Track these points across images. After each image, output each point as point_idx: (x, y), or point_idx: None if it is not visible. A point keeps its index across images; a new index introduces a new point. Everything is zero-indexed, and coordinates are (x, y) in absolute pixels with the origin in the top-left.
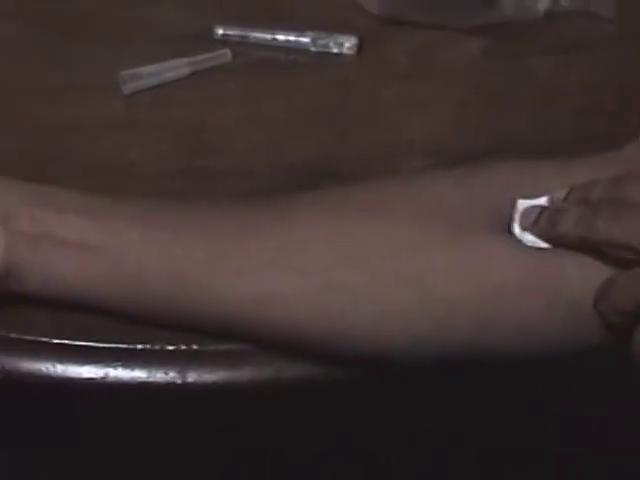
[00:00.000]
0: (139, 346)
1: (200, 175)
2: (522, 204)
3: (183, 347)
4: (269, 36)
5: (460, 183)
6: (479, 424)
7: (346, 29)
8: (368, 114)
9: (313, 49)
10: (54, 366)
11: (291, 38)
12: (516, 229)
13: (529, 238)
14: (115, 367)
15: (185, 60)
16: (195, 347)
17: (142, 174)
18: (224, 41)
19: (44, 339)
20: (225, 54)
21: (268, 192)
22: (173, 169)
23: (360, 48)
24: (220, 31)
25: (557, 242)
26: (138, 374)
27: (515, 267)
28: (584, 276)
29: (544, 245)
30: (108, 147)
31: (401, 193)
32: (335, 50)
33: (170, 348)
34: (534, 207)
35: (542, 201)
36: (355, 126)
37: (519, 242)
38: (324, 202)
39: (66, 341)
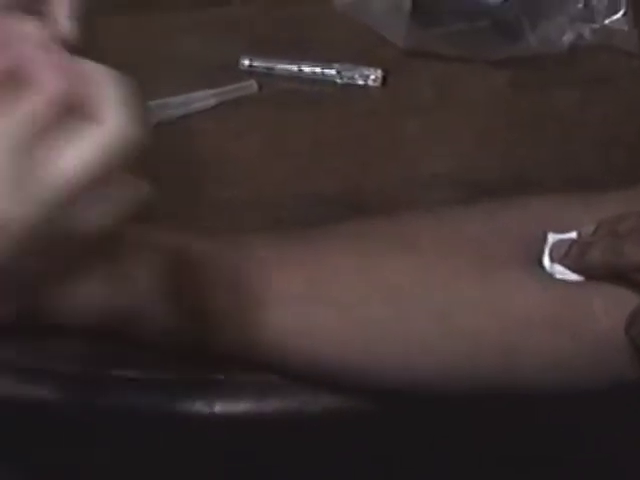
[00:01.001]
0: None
1: (225, 205)
2: (552, 237)
3: (210, 377)
4: (295, 68)
5: (489, 217)
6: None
7: (371, 61)
8: (392, 146)
9: (339, 81)
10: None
11: (317, 70)
12: (546, 261)
13: (559, 269)
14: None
15: (211, 91)
16: (222, 377)
17: (166, 204)
18: (250, 72)
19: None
20: (251, 85)
21: (292, 223)
22: (198, 199)
23: (385, 80)
24: (246, 62)
25: (586, 272)
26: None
27: (541, 301)
28: (611, 310)
29: (574, 277)
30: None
31: (430, 226)
32: (360, 82)
33: (197, 378)
34: (564, 240)
35: (572, 235)
36: (380, 158)
37: (547, 276)
38: (353, 234)
39: (93, 370)
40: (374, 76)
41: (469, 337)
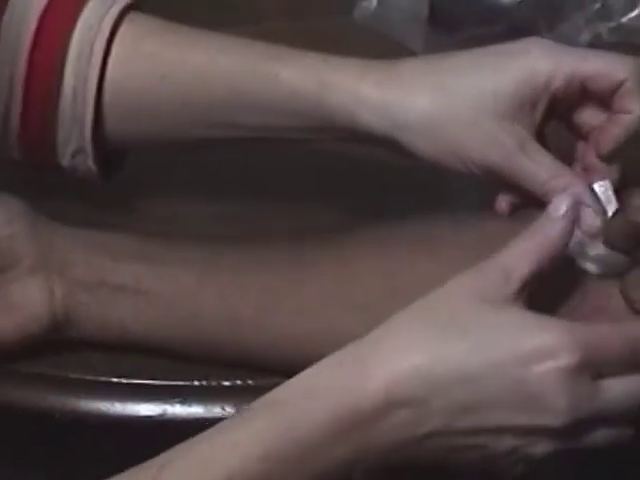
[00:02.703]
0: (196, 382)
1: (248, 216)
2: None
3: (239, 382)
4: None
5: (512, 219)
6: None
7: None
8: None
9: None
10: (113, 405)
11: None
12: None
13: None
14: (172, 404)
15: None
16: (250, 382)
17: (188, 218)
18: None
19: (103, 379)
20: None
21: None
22: (221, 211)
23: None
24: None
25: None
26: (195, 410)
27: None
28: None
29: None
30: (155, 193)
31: (447, 226)
32: None
33: (226, 384)
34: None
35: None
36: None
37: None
38: (375, 238)
39: (123, 380)
40: None
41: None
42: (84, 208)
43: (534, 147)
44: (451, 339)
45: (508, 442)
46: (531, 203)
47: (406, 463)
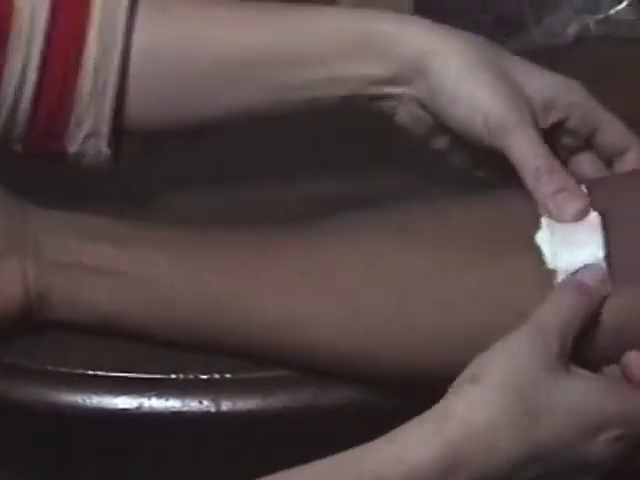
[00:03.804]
0: (173, 375)
1: (231, 206)
2: (546, 222)
3: (216, 375)
4: None
5: (488, 203)
6: None
7: None
8: (399, 139)
9: None
10: (90, 398)
11: None
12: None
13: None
14: (149, 397)
15: None
16: (228, 375)
17: (174, 209)
18: None
19: (79, 371)
20: None
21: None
22: (203, 200)
23: None
24: None
25: None
26: (172, 403)
27: (539, 290)
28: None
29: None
30: (138, 178)
31: (427, 213)
32: None
33: (203, 377)
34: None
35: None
36: (386, 153)
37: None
38: (347, 224)
39: (100, 372)
40: None
41: (472, 323)
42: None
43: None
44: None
45: None
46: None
47: None
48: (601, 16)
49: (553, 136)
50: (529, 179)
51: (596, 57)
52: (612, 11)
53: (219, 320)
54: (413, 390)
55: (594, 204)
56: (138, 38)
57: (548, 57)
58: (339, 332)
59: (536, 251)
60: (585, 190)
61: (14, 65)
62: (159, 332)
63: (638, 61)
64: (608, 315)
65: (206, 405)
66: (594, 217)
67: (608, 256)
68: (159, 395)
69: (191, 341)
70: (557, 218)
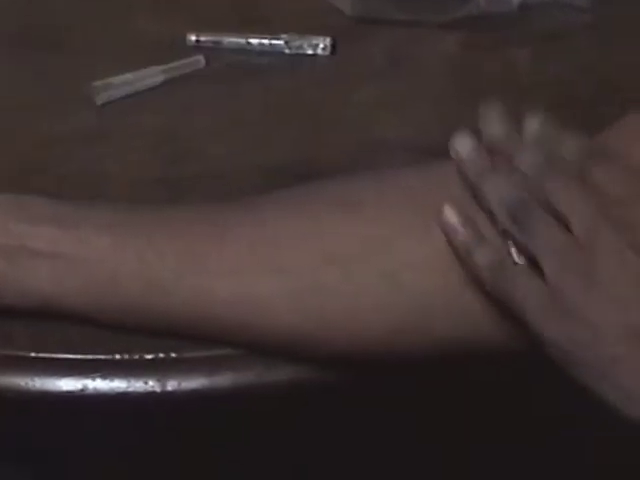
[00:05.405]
0: (117, 356)
1: (177, 182)
2: None
3: (161, 355)
4: (242, 40)
5: (429, 176)
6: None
7: (320, 30)
8: (344, 114)
9: (287, 51)
10: (33, 380)
11: (265, 42)
12: None
13: None
14: (94, 379)
15: (158, 68)
16: (174, 355)
17: (118, 183)
18: (197, 47)
19: (22, 353)
20: (198, 60)
21: (245, 196)
22: (149, 177)
23: (334, 49)
24: (193, 37)
25: None
26: (117, 385)
27: None
28: None
29: None
30: (84, 158)
31: (370, 187)
32: (309, 51)
33: (148, 357)
34: None
35: None
36: (331, 126)
37: None
38: (292, 198)
39: (44, 354)
40: (323, 45)
41: (417, 295)
42: None
43: None
44: None
45: None
46: None
47: None
48: None
49: None
50: None
51: (542, 23)
52: None
53: (165, 302)
54: (361, 367)
55: None
56: None
57: (493, 25)
58: (284, 309)
59: None
60: None
61: None
62: (104, 315)
63: (585, 26)
64: None
65: (151, 385)
66: None
67: None
68: (103, 376)
69: (137, 324)
70: None
